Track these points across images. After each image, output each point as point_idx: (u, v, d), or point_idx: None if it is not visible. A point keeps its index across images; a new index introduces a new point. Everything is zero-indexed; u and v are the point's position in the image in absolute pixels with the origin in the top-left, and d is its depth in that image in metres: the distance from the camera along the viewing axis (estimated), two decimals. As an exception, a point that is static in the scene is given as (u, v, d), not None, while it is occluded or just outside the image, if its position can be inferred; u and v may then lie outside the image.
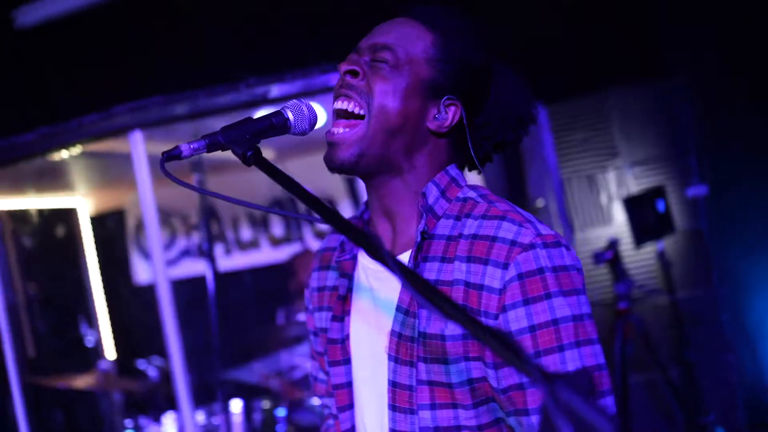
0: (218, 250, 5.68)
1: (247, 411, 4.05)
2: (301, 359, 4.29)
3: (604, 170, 4.76)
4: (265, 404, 4.10)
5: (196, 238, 5.78)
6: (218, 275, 4.11)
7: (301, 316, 4.31)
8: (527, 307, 1.22)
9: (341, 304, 1.45)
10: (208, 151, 1.29)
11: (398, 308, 1.33)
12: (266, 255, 5.71)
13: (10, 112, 5.17)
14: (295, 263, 4.67)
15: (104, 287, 5.92)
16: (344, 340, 1.44)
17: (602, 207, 4.77)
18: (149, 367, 4.92)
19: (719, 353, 4.61)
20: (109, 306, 5.91)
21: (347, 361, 1.44)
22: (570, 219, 4.77)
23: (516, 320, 1.22)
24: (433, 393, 1.29)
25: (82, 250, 5.91)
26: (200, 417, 4.03)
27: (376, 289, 1.40)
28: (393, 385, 1.32)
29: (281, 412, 4.08)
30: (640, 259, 4.71)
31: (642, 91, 4.68)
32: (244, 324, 5.08)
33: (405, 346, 1.30)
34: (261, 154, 1.27)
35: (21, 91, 5.38)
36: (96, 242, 5.97)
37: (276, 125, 1.32)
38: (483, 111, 1.43)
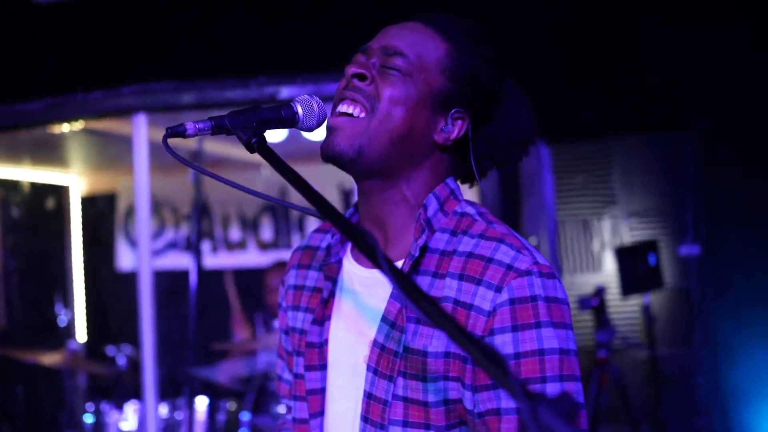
0: (205, 246, 5.64)
1: (212, 410, 3.98)
2: (274, 367, 4.25)
3: (600, 217, 4.76)
4: (231, 406, 4.04)
5: (185, 231, 5.74)
6: (202, 271, 4.08)
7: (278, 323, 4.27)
8: (515, 333, 1.19)
9: (323, 307, 1.40)
10: (213, 134, 1.26)
11: (384, 319, 1.29)
12: (252, 257, 5.67)
13: (19, 80, 5.15)
14: (270, 276, 4.63)
15: (85, 268, 5.87)
16: (323, 345, 1.40)
17: (593, 253, 4.76)
18: (119, 354, 4.86)
19: (692, 415, 4.58)
20: (87, 288, 5.86)
21: (323, 366, 1.40)
22: (560, 261, 4.76)
23: (502, 345, 1.19)
24: (407, 410, 1.25)
25: (69, 229, 5.86)
26: (163, 410, 3.97)
27: (362, 296, 1.36)
28: (369, 396, 1.28)
29: (246, 416, 4.03)
30: (625, 310, 4.69)
31: (647, 141, 4.70)
32: (222, 324, 5.03)
33: (386, 359, 1.27)
34: (266, 142, 1.25)
35: (31, 62, 5.36)
36: (83, 223, 5.93)
37: (284, 117, 1.29)
38: (488, 128, 1.39)
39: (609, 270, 4.71)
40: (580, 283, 4.75)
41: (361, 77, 1.28)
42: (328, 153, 1.29)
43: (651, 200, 4.70)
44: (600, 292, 4.28)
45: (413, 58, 1.27)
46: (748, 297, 4.43)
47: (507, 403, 1.18)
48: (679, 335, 4.64)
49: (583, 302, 4.22)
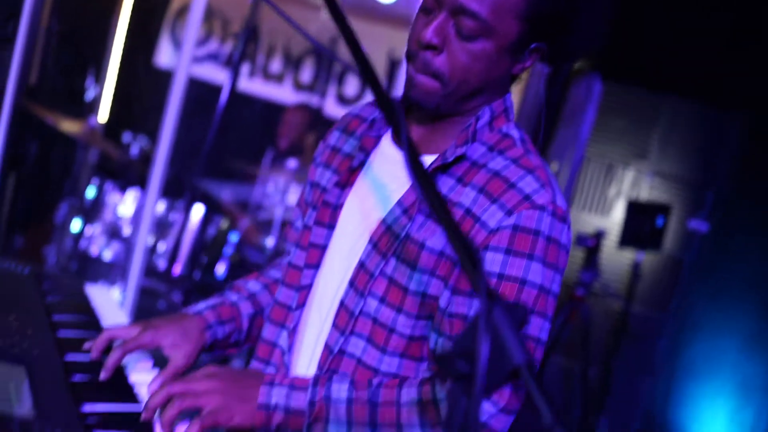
0: (243, 69, 5.67)
1: (205, 221, 4.13)
2: (270, 202, 4.37)
3: (626, 166, 4.76)
4: (223, 224, 4.19)
5: (228, 48, 5.75)
6: (233, 92, 4.12)
7: (291, 163, 4.36)
8: (506, 256, 1.25)
9: (348, 174, 1.46)
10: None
11: (399, 203, 1.35)
12: (285, 94, 5.71)
13: None
14: (289, 114, 4.69)
15: (123, 52, 5.90)
16: (337, 208, 1.46)
17: (607, 198, 4.79)
18: (134, 143, 4.97)
19: (641, 372, 4.76)
20: (120, 71, 5.91)
21: (332, 226, 1.46)
22: (573, 194, 4.80)
23: (490, 262, 1.26)
24: (388, 289, 1.33)
25: (119, 9, 5.85)
26: (161, 206, 4.12)
27: (387, 176, 1.42)
28: (361, 265, 1.36)
29: (234, 237, 4.19)
30: (616, 260, 4.78)
31: (698, 110, 4.64)
32: (239, 146, 5.14)
33: (387, 238, 1.34)
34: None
35: None
36: (134, 7, 5.91)
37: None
38: (563, 37, 1.35)
39: (616, 218, 4.77)
40: (584, 220, 4.81)
41: (434, 48, 1.28)
42: (410, 99, 1.34)
43: (680, 167, 4.69)
44: (599, 235, 4.35)
45: (488, 17, 1.24)
46: (733, 284, 4.51)
47: (476, 312, 1.26)
48: (656, 299, 4.75)
49: (581, 239, 4.30)
